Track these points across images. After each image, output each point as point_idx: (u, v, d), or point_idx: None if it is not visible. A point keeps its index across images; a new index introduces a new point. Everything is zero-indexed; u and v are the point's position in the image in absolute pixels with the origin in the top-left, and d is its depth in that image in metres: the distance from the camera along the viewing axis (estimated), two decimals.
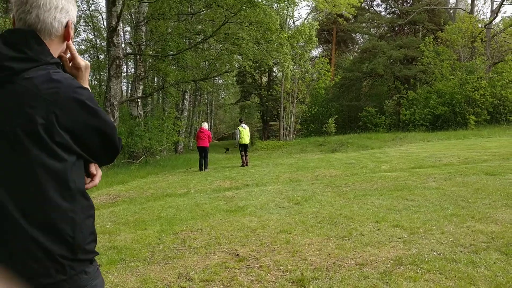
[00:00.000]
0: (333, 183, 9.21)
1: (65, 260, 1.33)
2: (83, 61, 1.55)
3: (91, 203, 1.43)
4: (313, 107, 32.11)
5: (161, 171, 15.47)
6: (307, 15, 38.81)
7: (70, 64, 1.54)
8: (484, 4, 48.43)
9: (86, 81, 1.56)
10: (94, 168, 1.50)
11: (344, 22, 33.63)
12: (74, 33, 1.59)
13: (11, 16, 1.56)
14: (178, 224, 6.07)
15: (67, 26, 1.47)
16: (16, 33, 1.38)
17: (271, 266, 3.99)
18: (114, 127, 1.48)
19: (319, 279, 3.57)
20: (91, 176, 1.49)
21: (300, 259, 4.14)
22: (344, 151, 20.78)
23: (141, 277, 3.86)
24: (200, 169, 14.55)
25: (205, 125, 15.37)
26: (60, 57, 1.50)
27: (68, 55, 1.55)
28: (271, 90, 36.32)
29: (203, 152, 14.68)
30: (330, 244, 4.58)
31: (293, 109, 30.26)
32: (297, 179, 10.57)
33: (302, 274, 3.68)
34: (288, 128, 30.27)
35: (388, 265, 3.77)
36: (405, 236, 4.63)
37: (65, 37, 1.49)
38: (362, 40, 45.34)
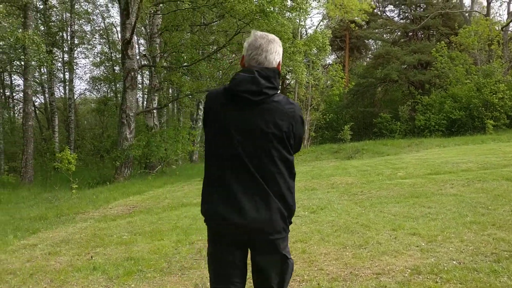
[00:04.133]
0: (349, 191, 9.14)
1: (287, 223, 2.11)
2: None
3: None
4: (328, 114, 31.97)
5: (177, 180, 15.54)
6: (319, 22, 38.85)
7: None
8: (501, 6, 47.87)
9: None
10: None
11: (357, 28, 33.52)
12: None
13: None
14: (194, 234, 6.08)
15: (278, 64, 2.18)
16: (268, 70, 2.07)
17: None
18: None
19: None
20: None
21: (316, 268, 4.11)
22: (360, 158, 20.62)
23: None
24: None
25: None
26: None
27: None
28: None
29: None
30: (347, 253, 4.54)
31: (307, 117, 30.18)
32: (312, 187, 10.51)
33: (318, 284, 3.66)
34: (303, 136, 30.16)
35: (406, 274, 3.72)
36: (423, 244, 4.57)
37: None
38: (375, 46, 45.11)
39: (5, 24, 12.63)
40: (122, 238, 6.17)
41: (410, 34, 35.12)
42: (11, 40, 11.89)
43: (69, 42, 29.04)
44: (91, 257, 5.13)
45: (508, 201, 6.33)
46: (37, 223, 8.05)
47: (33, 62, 17.81)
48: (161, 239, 5.91)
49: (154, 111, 19.64)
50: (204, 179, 2.14)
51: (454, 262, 3.92)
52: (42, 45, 13.86)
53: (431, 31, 34.32)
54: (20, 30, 12.94)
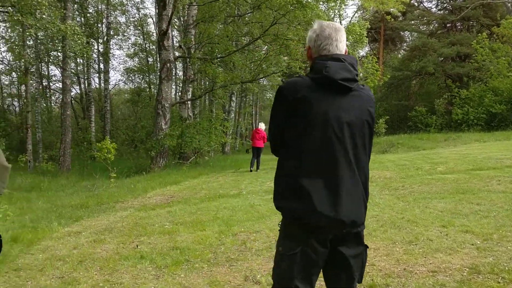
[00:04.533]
0: (389, 185, 8.95)
1: (365, 214, 2.09)
2: None
3: None
4: None
5: (211, 171, 15.62)
6: (354, 13, 38.17)
7: None
8: None
9: None
10: None
11: (392, 19, 32.77)
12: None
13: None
14: (235, 226, 6.06)
15: (345, 51, 2.14)
16: (351, 57, 2.07)
17: None
18: None
19: (391, 286, 3.44)
20: None
21: (367, 264, 4.01)
22: (395, 152, 20.25)
23: (208, 279, 3.86)
24: (251, 168, 14.65)
25: (262, 126, 15.46)
26: None
27: None
28: None
29: (257, 152, 14.90)
30: (397, 249, 4.41)
31: None
32: None
33: (372, 280, 3.56)
34: None
35: (465, 273, 3.58)
36: (478, 242, 4.40)
37: None
38: (411, 38, 44.05)
39: (46, 16, 12.84)
40: (164, 228, 6.21)
41: (448, 25, 34.14)
42: (54, 30, 12.08)
43: (104, 33, 29.52)
44: (137, 246, 5.18)
45: None
46: (79, 211, 8.22)
47: (71, 53, 18.17)
48: (203, 230, 5.91)
49: (188, 102, 19.76)
50: (290, 172, 2.00)
51: None
52: (83, 36, 14.08)
53: (471, 22, 33.21)
54: (59, 22, 13.15)
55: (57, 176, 16.03)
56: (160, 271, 4.13)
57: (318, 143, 1.96)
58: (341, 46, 2.12)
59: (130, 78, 36.76)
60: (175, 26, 29.91)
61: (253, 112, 45.79)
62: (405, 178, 9.91)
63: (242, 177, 12.92)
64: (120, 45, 49.60)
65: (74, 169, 18.65)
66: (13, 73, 31.65)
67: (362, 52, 41.18)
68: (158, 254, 4.71)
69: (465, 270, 3.66)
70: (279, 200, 2.04)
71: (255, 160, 14.82)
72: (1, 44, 31.66)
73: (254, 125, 46.79)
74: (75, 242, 5.60)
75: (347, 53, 2.15)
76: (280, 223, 2.10)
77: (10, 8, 12.29)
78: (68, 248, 5.26)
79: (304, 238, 1.96)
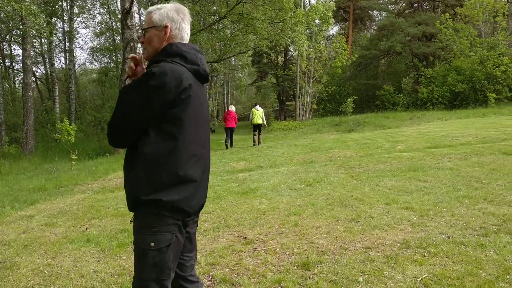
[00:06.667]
0: (346, 164, 9.15)
1: None
2: None
3: None
4: (330, 87, 31.75)
5: None
6: None
7: None
8: None
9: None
10: None
11: None
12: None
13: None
14: None
15: None
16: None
17: (278, 249, 4.01)
18: None
19: (324, 263, 3.57)
20: None
21: (307, 242, 4.15)
22: (361, 131, 20.58)
23: None
24: (226, 147, 16.19)
25: (232, 108, 17.33)
26: None
27: None
28: (287, 69, 35.95)
29: (229, 132, 16.37)
30: (338, 227, 4.57)
31: (310, 89, 29.98)
32: (311, 160, 10.53)
33: (307, 257, 3.69)
34: (305, 108, 30.05)
35: (395, 249, 3.74)
36: (414, 218, 4.59)
37: None
38: (379, 17, 44.36)
39: None
40: (119, 210, 6.22)
41: (415, 5, 34.50)
42: (8, 9, 11.65)
43: (68, 11, 28.62)
44: (86, 229, 5.19)
45: (502, 175, 6.33)
46: (36, 194, 8.11)
47: (32, 32, 17.61)
48: None
49: None
50: (180, 160, 1.90)
51: (443, 236, 3.95)
52: (41, 15, 13.63)
53: (437, 2, 33.68)
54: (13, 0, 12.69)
55: (20, 159, 15.69)
56: (103, 253, 4.17)
57: (200, 134, 2.08)
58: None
59: (96, 58, 35.96)
60: (142, 4, 29.27)
61: (224, 92, 45.55)
62: (364, 156, 10.14)
63: None
64: (86, 23, 48.19)
65: (38, 152, 18.28)
66: None
67: (332, 32, 41.33)
68: (106, 236, 4.73)
69: (397, 245, 3.82)
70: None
71: (229, 139, 16.33)
72: None
73: (225, 105, 46.62)
74: (26, 226, 5.56)
75: None
76: (132, 220, 1.99)
77: None
78: (17, 233, 5.23)
79: (181, 226, 1.99)
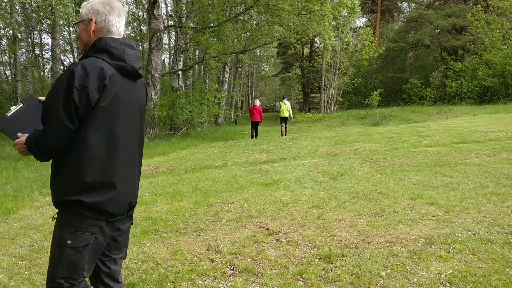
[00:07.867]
0: (371, 157, 9.04)
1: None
2: None
3: None
4: (356, 79, 31.39)
5: (201, 143, 15.71)
6: None
7: None
8: None
9: None
10: None
11: None
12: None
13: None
14: (213, 196, 6.18)
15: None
16: (135, 44, 2.12)
17: (300, 241, 4.01)
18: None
19: (346, 256, 3.56)
20: None
21: (329, 235, 4.13)
22: (387, 125, 20.32)
23: (172, 249, 3.98)
24: (252, 137, 17.57)
25: (258, 102, 18.73)
26: None
27: None
28: (312, 61, 35.65)
29: (255, 125, 17.74)
30: (362, 220, 4.53)
31: (335, 81, 29.72)
32: (335, 153, 10.45)
33: (330, 250, 3.68)
34: (330, 101, 29.82)
35: (419, 244, 3.70)
36: (440, 214, 4.52)
37: None
38: (408, 9, 43.47)
39: None
40: (143, 198, 6.32)
41: None
42: (39, 0, 11.90)
43: None
44: None
45: None
46: None
47: (61, 22, 17.94)
48: (180, 200, 6.03)
49: (180, 72, 19.65)
50: (99, 161, 1.90)
51: (469, 233, 3.87)
52: (70, 5, 13.87)
53: None
54: None
55: None
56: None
57: (125, 132, 2.07)
58: (123, 27, 2.10)
59: None
60: None
61: (249, 83, 45.55)
62: (389, 150, 10.00)
63: (230, 148, 13.00)
64: None
65: None
66: (4, 40, 31.23)
67: (359, 23, 40.75)
68: None
69: (421, 240, 3.77)
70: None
71: (254, 130, 17.79)
72: None
73: (250, 96, 46.64)
74: (53, 212, 5.70)
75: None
76: (55, 216, 1.98)
77: None
78: (44, 218, 5.37)
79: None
